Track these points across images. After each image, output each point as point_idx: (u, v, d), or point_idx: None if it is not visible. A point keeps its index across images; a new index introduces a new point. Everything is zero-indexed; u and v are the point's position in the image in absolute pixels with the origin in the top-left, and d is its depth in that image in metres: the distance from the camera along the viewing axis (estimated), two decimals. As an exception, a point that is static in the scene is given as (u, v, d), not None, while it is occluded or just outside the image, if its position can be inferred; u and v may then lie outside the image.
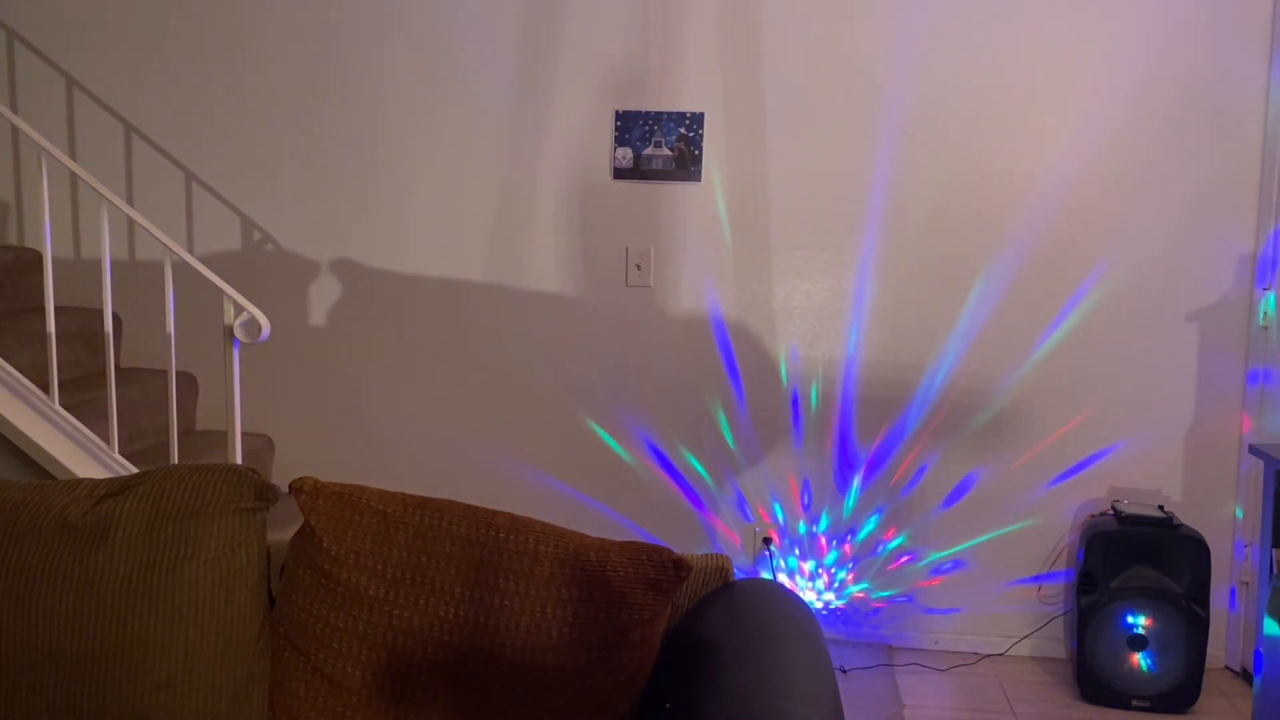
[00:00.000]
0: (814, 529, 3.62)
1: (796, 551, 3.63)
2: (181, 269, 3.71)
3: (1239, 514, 3.42)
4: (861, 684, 3.31)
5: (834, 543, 3.61)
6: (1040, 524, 3.52)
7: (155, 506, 1.77)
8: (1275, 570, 2.77)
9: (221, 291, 2.98)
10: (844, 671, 3.40)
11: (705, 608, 1.75)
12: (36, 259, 3.71)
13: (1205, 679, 3.37)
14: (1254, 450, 3.01)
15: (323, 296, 3.73)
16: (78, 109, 3.75)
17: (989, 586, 3.56)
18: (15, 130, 3.77)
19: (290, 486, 1.80)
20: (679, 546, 3.66)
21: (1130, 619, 3.17)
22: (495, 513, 1.75)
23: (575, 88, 3.55)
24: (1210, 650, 3.45)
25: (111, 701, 1.67)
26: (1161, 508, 3.29)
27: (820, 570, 3.63)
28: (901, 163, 3.46)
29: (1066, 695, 3.27)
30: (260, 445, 3.71)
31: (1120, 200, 3.40)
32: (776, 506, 3.62)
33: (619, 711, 1.69)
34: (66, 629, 1.69)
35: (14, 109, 3.75)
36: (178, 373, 3.76)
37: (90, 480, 1.86)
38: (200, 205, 3.74)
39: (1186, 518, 3.46)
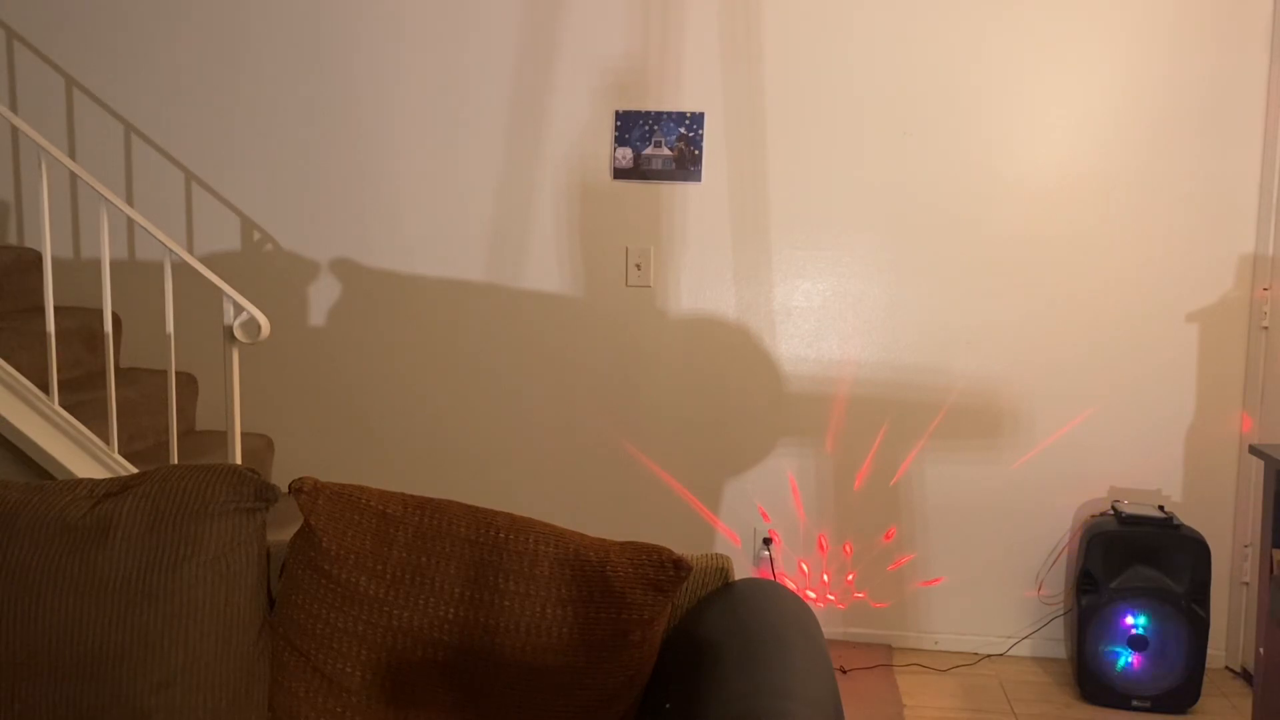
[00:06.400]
0: (814, 529, 3.61)
1: (796, 551, 3.63)
2: (181, 269, 3.71)
3: (1239, 514, 3.42)
4: (861, 684, 3.31)
5: (834, 543, 3.61)
6: (1040, 524, 3.52)
7: (155, 506, 1.77)
8: (1275, 570, 2.77)
9: (221, 291, 2.98)
10: (844, 671, 3.40)
11: (705, 608, 1.75)
12: (36, 259, 3.71)
13: (1205, 679, 3.37)
14: (1254, 450, 3.00)
15: (323, 296, 3.73)
16: (78, 109, 3.75)
17: (989, 586, 3.56)
18: (15, 130, 3.77)
19: (290, 486, 1.80)
20: (679, 546, 3.66)
21: (1130, 619, 3.17)
22: (495, 513, 1.75)
23: (575, 88, 3.55)
24: (1210, 650, 3.45)
25: (111, 701, 1.67)
26: (1161, 508, 3.29)
27: (820, 570, 3.63)
28: (901, 163, 3.46)
29: (1066, 695, 3.27)
30: (260, 445, 3.71)
31: (1120, 200, 3.40)
32: (776, 506, 3.62)
33: (619, 711, 1.69)
34: (66, 629, 1.69)
35: (14, 109, 3.75)
36: (177, 373, 3.76)
37: (90, 480, 1.86)
38: (200, 205, 3.74)
39: (1186, 518, 3.46)
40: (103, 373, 3.68)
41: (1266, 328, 3.33)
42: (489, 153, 3.61)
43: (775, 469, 3.60)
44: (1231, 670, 3.45)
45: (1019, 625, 3.57)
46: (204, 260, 3.75)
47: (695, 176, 3.53)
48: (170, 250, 3.03)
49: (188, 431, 3.78)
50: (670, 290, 3.59)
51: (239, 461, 3.08)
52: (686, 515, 3.66)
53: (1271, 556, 2.80)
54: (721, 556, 1.86)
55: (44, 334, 3.35)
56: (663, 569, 1.63)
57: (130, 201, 3.76)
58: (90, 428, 3.15)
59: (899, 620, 3.61)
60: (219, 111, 3.71)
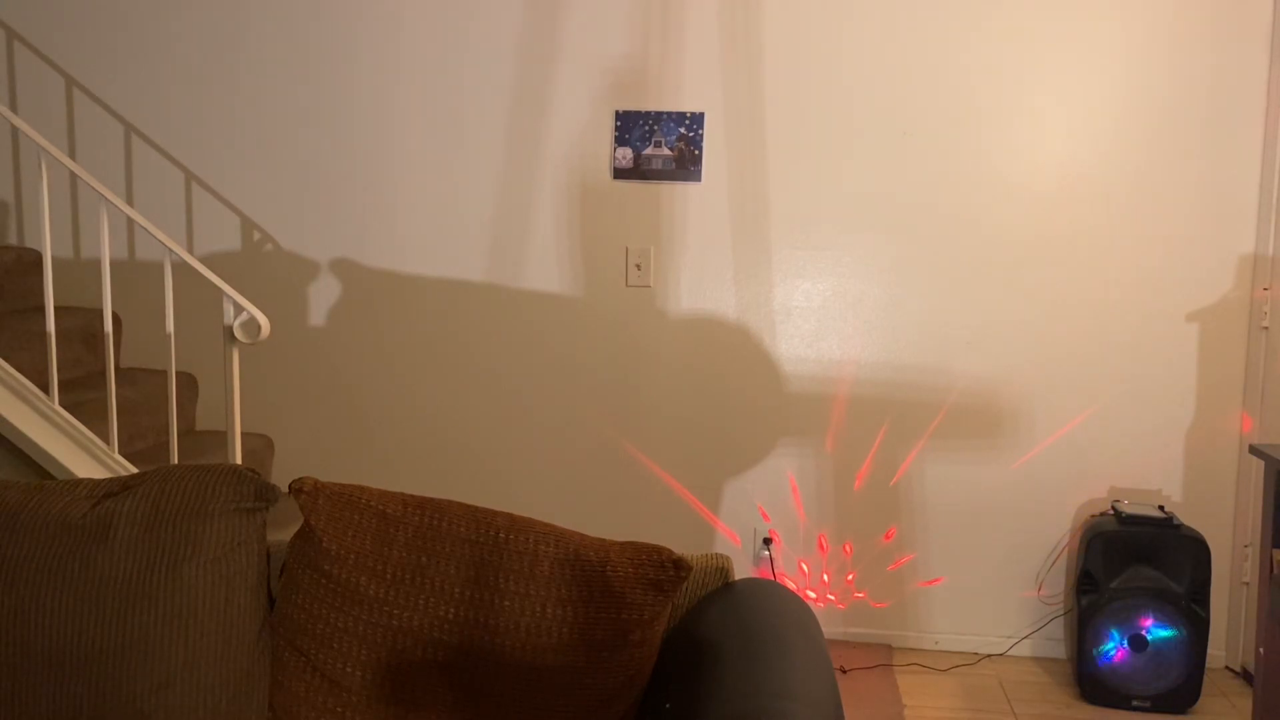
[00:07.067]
0: (814, 529, 3.61)
1: (796, 551, 3.63)
2: (181, 269, 3.71)
3: (1239, 514, 3.42)
4: (861, 684, 3.31)
5: (834, 543, 3.61)
6: (1040, 524, 3.52)
7: (155, 506, 1.77)
8: (1275, 570, 2.77)
9: (221, 291, 2.98)
10: (844, 671, 3.40)
11: (705, 608, 1.75)
12: (36, 259, 3.71)
13: (1205, 679, 3.37)
14: (1254, 450, 3.00)
15: (323, 296, 3.73)
16: (78, 109, 3.75)
17: (989, 586, 3.56)
18: (15, 130, 3.77)
19: (290, 486, 1.80)
20: (679, 546, 3.66)
21: (1130, 619, 3.17)
22: (495, 513, 1.75)
23: (575, 87, 3.55)
24: (1210, 650, 3.45)
25: (111, 702, 1.67)
26: (1161, 508, 3.29)
27: (820, 570, 3.63)
28: (901, 163, 3.46)
29: (1066, 695, 3.27)
30: (260, 445, 3.71)
31: (1121, 200, 3.40)
32: (776, 506, 3.62)
33: (619, 711, 1.69)
34: (66, 629, 1.69)
35: (14, 109, 3.75)
36: (178, 373, 3.76)
37: (90, 480, 1.86)
38: (200, 205, 3.75)
39: (1186, 518, 3.46)
40: (103, 373, 3.68)
41: (1266, 328, 3.33)
42: (489, 153, 3.61)
43: (775, 469, 3.60)
44: (1231, 670, 3.45)
45: (1019, 625, 3.57)
46: (204, 260, 3.75)
47: (695, 176, 3.53)
48: (170, 250, 3.03)
49: (188, 431, 3.78)
50: (670, 290, 3.59)
51: (239, 461, 3.08)
52: (686, 515, 3.66)
53: (1271, 556, 2.80)
54: (721, 556, 1.86)
55: (44, 334, 3.35)
56: (663, 569, 1.63)
57: (130, 201, 3.76)
58: (90, 428, 3.15)
59: (899, 620, 3.61)
60: (219, 112, 3.71)
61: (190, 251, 3.75)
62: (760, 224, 3.53)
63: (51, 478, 3.02)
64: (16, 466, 3.04)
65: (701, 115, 3.51)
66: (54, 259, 3.80)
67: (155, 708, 1.68)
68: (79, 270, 3.80)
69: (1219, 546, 3.44)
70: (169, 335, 3.06)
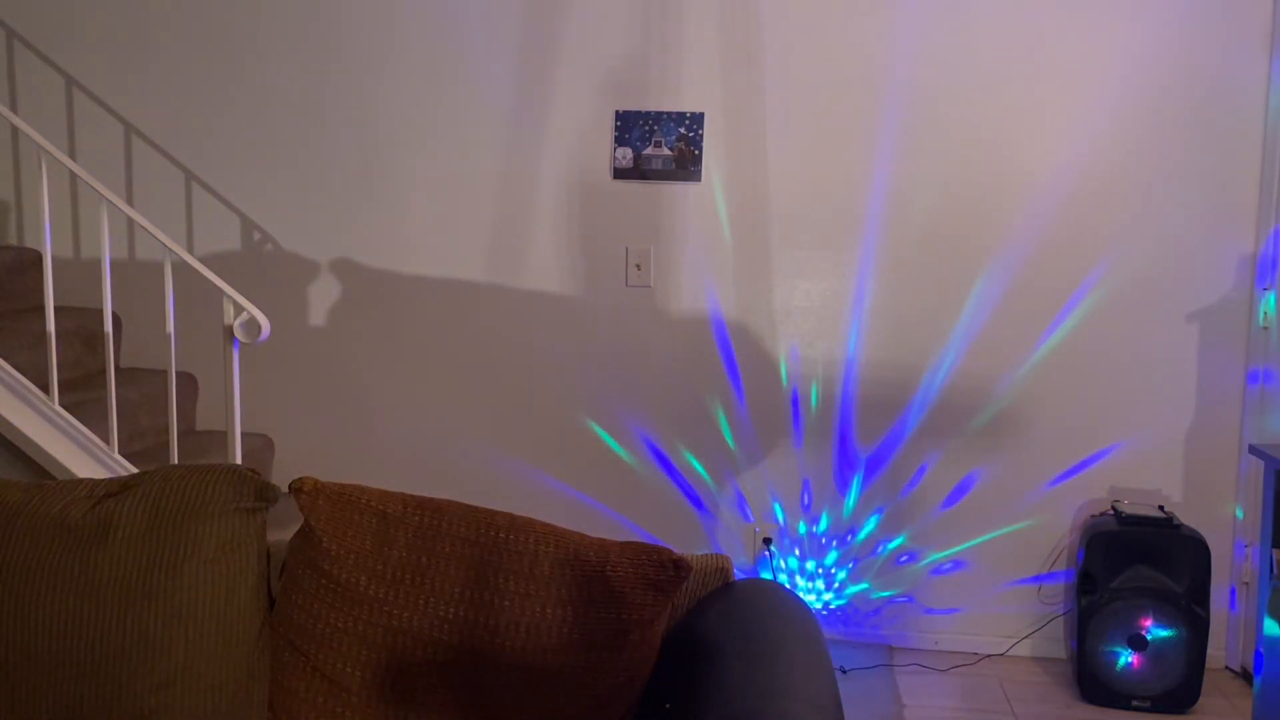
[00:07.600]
0: (814, 529, 3.62)
1: (796, 551, 3.63)
2: (181, 269, 3.71)
3: (1239, 514, 3.42)
4: (861, 684, 3.31)
5: (834, 543, 3.61)
6: (1040, 524, 3.52)
7: (155, 506, 1.77)
8: (1275, 570, 2.77)
9: (221, 291, 2.98)
10: (844, 671, 3.40)
11: (705, 608, 1.75)
12: (36, 259, 3.71)
13: (1205, 679, 3.37)
14: (1254, 450, 3.01)
15: (323, 296, 3.73)
16: (78, 109, 3.75)
17: (989, 586, 3.56)
18: (15, 130, 3.77)
19: (290, 486, 1.80)
20: (679, 546, 3.66)
21: (1130, 619, 3.17)
22: (495, 513, 1.75)
23: (575, 88, 3.55)
24: (1210, 650, 3.45)
25: (111, 701, 1.67)
26: (1161, 508, 3.29)
27: (820, 570, 3.63)
28: (901, 163, 3.46)
29: (1066, 695, 3.27)
30: (260, 445, 3.71)
31: (1120, 200, 3.40)
32: (776, 506, 3.62)
33: (619, 711, 1.69)
34: (66, 629, 1.69)
35: (14, 109, 3.75)
36: (178, 373, 3.76)
37: (90, 480, 1.86)
38: (200, 205, 3.75)
39: (1186, 518, 3.46)
40: (103, 373, 3.68)
41: (1267, 328, 3.33)
42: (489, 152, 3.61)
43: (775, 468, 3.60)
44: (1231, 670, 3.45)
45: (1019, 625, 3.57)
46: (204, 260, 3.75)
47: (695, 176, 3.53)
48: (170, 250, 3.03)
49: (188, 431, 3.78)
50: (670, 290, 3.59)
51: (239, 461, 3.08)
52: (686, 515, 3.66)
53: (1272, 556, 2.81)
54: (721, 557, 1.86)
55: (44, 334, 3.35)
56: (663, 569, 1.63)
57: (130, 201, 3.76)
58: (90, 428, 3.15)
59: (899, 620, 3.61)
60: (219, 111, 3.71)
61: (190, 251, 3.75)
62: (760, 224, 3.53)
63: (51, 478, 3.02)
64: (16, 466, 3.04)
65: (701, 115, 3.50)
66: (54, 259, 3.80)
67: (155, 707, 1.68)
68: (79, 270, 3.80)
69: (1219, 546, 3.44)
70: (169, 335, 3.06)
